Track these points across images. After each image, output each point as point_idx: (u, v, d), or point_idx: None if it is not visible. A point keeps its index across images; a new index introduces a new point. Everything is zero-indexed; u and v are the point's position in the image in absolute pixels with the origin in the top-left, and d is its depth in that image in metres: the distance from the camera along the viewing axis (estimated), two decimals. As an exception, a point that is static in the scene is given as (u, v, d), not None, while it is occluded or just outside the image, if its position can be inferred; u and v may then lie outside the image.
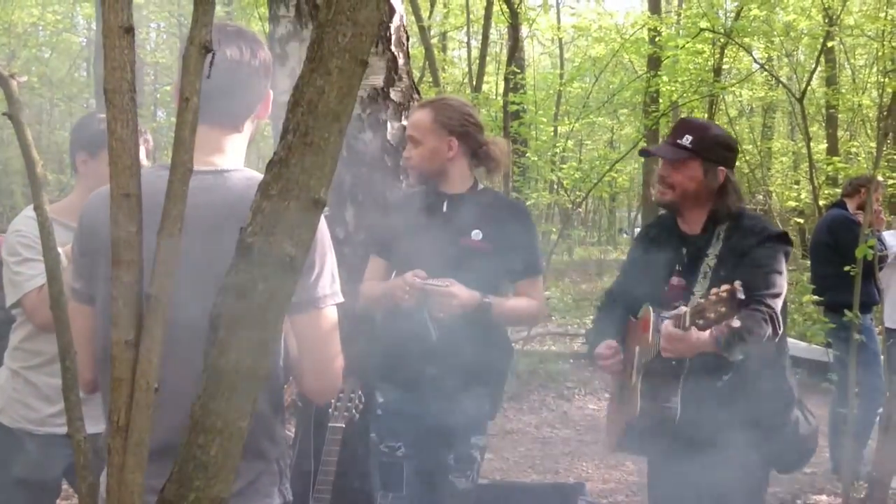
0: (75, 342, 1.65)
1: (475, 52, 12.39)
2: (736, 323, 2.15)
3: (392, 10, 3.17)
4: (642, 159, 13.66)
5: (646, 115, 10.99)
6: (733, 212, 2.54)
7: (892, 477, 3.93)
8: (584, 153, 19.84)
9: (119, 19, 0.95)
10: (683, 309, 2.25)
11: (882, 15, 11.36)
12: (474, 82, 9.75)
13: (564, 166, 11.21)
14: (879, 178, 5.57)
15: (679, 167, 2.54)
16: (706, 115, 13.45)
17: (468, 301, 2.53)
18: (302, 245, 1.17)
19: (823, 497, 4.61)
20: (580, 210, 17.29)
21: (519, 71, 11.21)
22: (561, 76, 15.60)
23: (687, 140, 2.53)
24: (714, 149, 2.54)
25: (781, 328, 2.35)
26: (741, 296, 2.11)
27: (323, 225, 1.62)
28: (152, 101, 20.66)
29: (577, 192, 12.20)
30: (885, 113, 11.49)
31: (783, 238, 2.53)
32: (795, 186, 15.10)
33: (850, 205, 5.00)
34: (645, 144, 10.98)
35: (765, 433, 2.43)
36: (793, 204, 12.97)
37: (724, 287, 2.13)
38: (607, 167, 9.86)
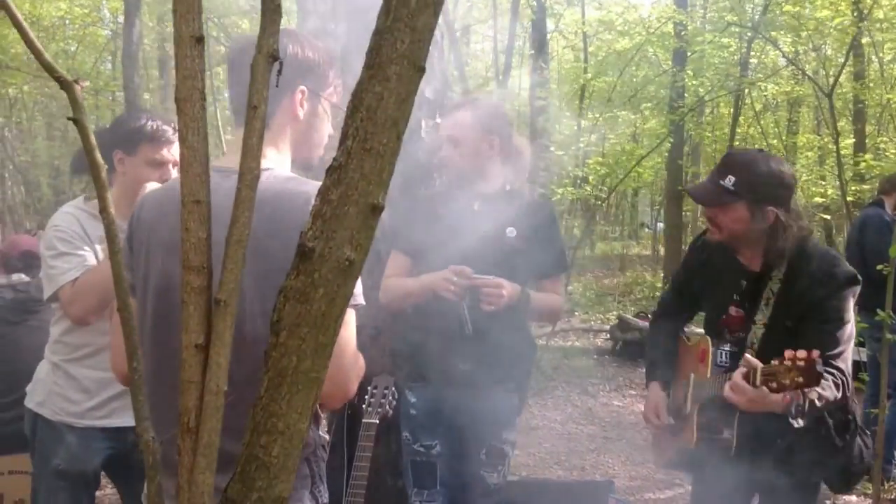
0: (119, 335, 1.68)
1: (497, 45, 12.36)
2: (813, 395, 2.11)
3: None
4: (666, 153, 13.61)
5: (671, 111, 10.93)
6: (788, 252, 2.39)
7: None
8: (607, 147, 19.78)
9: (190, 29, 0.96)
10: (756, 363, 2.18)
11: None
12: (500, 77, 9.75)
13: (590, 161, 11.17)
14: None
15: (724, 209, 2.40)
16: (732, 110, 13.38)
17: (513, 293, 2.57)
18: (361, 249, 1.19)
19: (853, 497, 4.58)
20: (603, 205, 17.27)
21: (544, 66, 11.17)
22: (585, 70, 15.52)
23: (730, 181, 2.37)
24: (761, 188, 2.37)
25: (850, 389, 2.30)
26: (821, 369, 2.05)
27: None
28: (161, 96, 20.71)
29: (601, 188, 12.16)
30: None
31: (852, 280, 2.37)
32: (822, 182, 14.97)
33: (888, 203, 4.95)
34: (671, 141, 10.95)
35: (826, 462, 2.40)
36: (819, 200, 12.85)
37: (802, 355, 2.07)
38: (633, 163, 9.81)
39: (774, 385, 2.09)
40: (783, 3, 9.91)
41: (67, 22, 18.94)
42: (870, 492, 4.47)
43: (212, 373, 1.01)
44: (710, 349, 2.46)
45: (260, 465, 1.14)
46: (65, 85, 1.23)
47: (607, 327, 9.18)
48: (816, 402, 2.15)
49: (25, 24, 1.27)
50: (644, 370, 2.92)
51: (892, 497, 4.31)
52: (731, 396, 2.20)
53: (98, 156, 1.21)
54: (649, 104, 15.17)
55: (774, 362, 2.12)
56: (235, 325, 1.50)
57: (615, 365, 8.07)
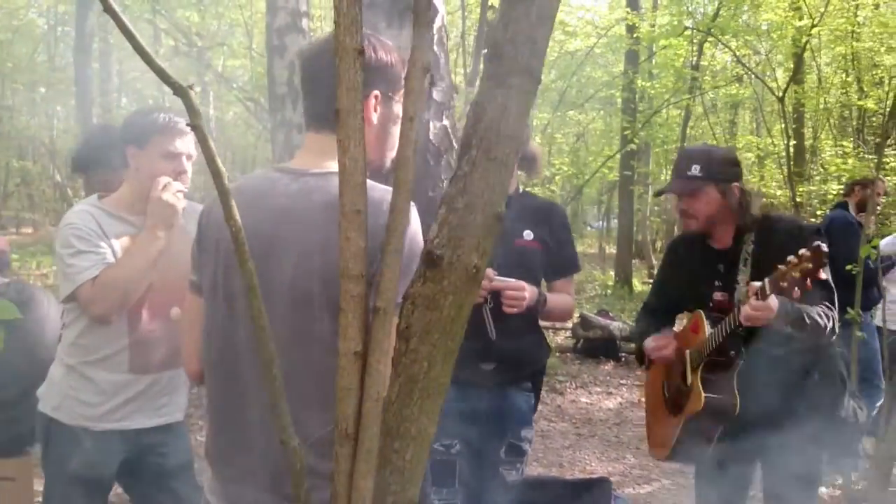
0: (189, 334, 1.68)
1: (453, 42, 12.37)
2: (823, 275, 2.24)
3: (434, 10, 3.19)
4: (617, 154, 13.88)
5: (625, 112, 11.13)
6: (758, 218, 2.67)
7: (891, 472, 4.08)
8: (554, 147, 20.03)
9: (353, 41, 0.98)
10: (757, 284, 2.35)
11: (850, 16, 11.65)
12: (467, 77, 9.80)
13: (556, 162, 11.32)
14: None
15: (697, 196, 2.66)
16: (683, 112, 13.70)
17: (533, 296, 2.61)
18: (485, 257, 1.21)
19: (822, 489, 4.76)
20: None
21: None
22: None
23: (696, 169, 2.65)
24: (723, 169, 2.66)
25: (836, 324, 2.48)
26: (825, 248, 2.20)
27: (416, 228, 1.61)
28: (115, 87, 20.24)
29: (553, 188, 12.31)
30: (886, 113, 11.69)
31: (818, 232, 2.62)
32: (762, 182, 15.43)
33: (851, 204, 5.15)
34: (634, 144, 11.17)
35: (821, 422, 2.54)
36: (768, 201, 13.26)
37: (805, 250, 2.20)
38: (599, 163, 9.97)
39: (785, 284, 2.23)
40: (734, 9, 10.21)
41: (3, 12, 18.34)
42: (839, 482, 4.66)
43: (371, 380, 1.02)
44: (704, 319, 2.63)
45: (394, 469, 1.16)
46: (179, 91, 1.23)
47: (568, 325, 9.29)
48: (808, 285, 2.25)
49: (134, 31, 1.26)
50: (606, 368, 3.09)
51: (859, 487, 4.49)
52: (753, 314, 2.33)
53: (219, 163, 1.21)
54: (598, 106, 15.42)
55: (781, 267, 2.26)
56: (304, 326, 1.51)
57: (578, 362, 8.20)
